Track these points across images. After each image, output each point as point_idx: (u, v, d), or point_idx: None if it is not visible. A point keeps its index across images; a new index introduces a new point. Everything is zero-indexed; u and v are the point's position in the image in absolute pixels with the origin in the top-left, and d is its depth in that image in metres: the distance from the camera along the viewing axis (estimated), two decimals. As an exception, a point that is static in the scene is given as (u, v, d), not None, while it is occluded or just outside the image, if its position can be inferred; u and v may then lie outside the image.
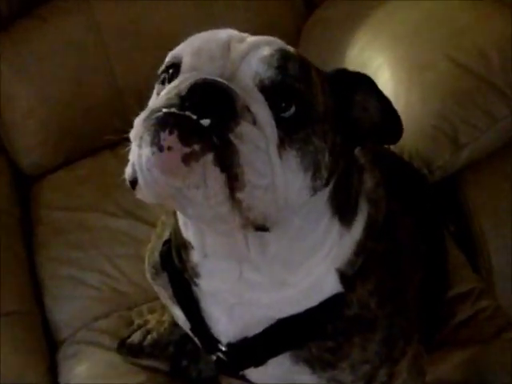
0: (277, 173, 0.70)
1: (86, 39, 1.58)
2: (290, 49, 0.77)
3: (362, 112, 0.81)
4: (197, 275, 0.88)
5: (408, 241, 0.98)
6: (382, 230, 0.89)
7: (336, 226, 0.84)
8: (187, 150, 0.65)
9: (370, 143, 0.86)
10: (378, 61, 1.37)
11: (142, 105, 0.77)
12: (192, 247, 0.86)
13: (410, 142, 1.26)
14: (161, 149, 0.66)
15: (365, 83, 0.81)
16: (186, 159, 0.65)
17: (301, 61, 0.76)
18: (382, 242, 0.89)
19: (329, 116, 0.77)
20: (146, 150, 0.67)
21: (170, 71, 0.77)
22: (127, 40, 1.60)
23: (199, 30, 0.79)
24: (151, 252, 1.07)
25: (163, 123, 0.66)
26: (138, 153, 0.69)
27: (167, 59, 0.80)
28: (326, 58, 1.46)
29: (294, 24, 1.68)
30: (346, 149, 0.82)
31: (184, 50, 0.77)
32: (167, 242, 0.97)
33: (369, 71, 1.36)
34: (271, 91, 0.72)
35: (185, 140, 0.65)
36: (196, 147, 0.65)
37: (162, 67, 0.80)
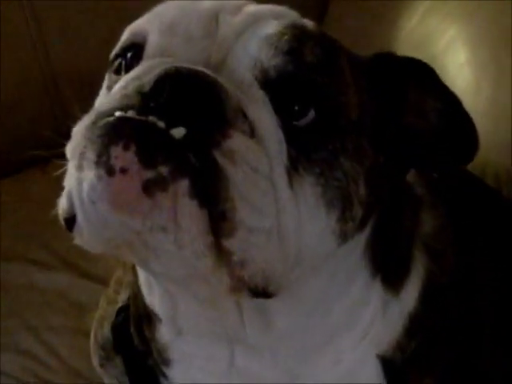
0: (285, 210, 0.71)
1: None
2: (308, 24, 0.79)
3: (417, 118, 0.83)
4: (166, 362, 0.90)
5: (492, 310, 0.99)
6: (450, 296, 0.91)
7: (378, 290, 0.86)
8: (150, 173, 0.65)
9: (429, 165, 0.87)
10: (449, 34, 1.38)
11: (86, 104, 0.80)
12: (159, 320, 0.88)
13: (495, 157, 1.27)
14: (110, 172, 0.66)
15: (421, 74, 0.83)
16: (149, 187, 0.65)
17: (324, 42, 0.78)
18: (450, 314, 0.91)
19: (367, 125, 0.79)
20: (90, 174, 0.68)
21: (129, 55, 0.79)
22: (66, 8, 1.65)
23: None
24: (99, 324, 1.10)
25: (115, 133, 0.67)
26: (78, 177, 0.69)
27: (124, 36, 0.82)
28: (365, 34, 1.48)
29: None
30: (393, 173, 0.83)
31: (150, 25, 0.79)
32: (123, 311, 0.99)
33: (433, 50, 1.39)
34: (279, 87, 0.73)
35: (147, 159, 0.66)
36: (163, 170, 0.65)
37: (117, 49, 0.82)
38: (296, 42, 0.75)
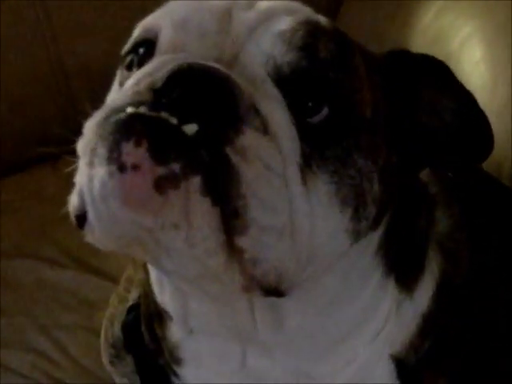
0: (298, 208, 0.71)
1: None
2: (322, 20, 0.79)
3: (432, 117, 0.82)
4: (177, 361, 0.90)
5: (506, 310, 0.99)
6: (464, 296, 0.90)
7: (391, 289, 0.86)
8: (162, 170, 0.65)
9: (443, 164, 0.87)
10: (464, 31, 1.38)
11: (98, 100, 0.80)
12: (170, 318, 0.88)
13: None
14: (122, 168, 0.66)
15: (436, 72, 0.82)
16: (160, 185, 0.65)
17: (338, 38, 0.78)
18: (464, 314, 0.90)
19: (380, 123, 0.79)
20: (101, 171, 0.67)
21: (141, 51, 0.79)
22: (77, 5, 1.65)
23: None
24: (110, 323, 1.10)
25: (127, 130, 0.67)
26: (89, 174, 0.69)
27: (136, 32, 0.82)
28: (378, 32, 1.48)
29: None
30: (407, 172, 0.83)
31: (162, 21, 0.78)
32: (134, 309, 0.99)
33: (448, 48, 1.38)
34: (292, 84, 0.73)
35: (159, 155, 0.65)
36: (175, 167, 0.65)
37: (129, 45, 0.82)
38: (310, 38, 0.75)
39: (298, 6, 0.80)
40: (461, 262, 0.91)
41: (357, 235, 0.76)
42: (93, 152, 0.69)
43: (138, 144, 0.66)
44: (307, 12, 0.79)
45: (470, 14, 1.41)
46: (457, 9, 1.43)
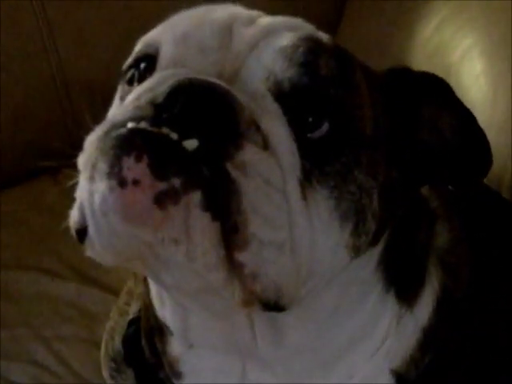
0: (298, 223, 0.71)
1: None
2: (323, 36, 0.79)
3: (432, 133, 0.83)
4: (177, 375, 0.90)
5: (508, 323, 0.99)
6: (465, 310, 0.90)
7: (391, 304, 0.86)
8: (162, 185, 0.65)
9: (444, 180, 0.88)
10: (465, 44, 1.38)
11: (99, 112, 0.80)
12: (170, 333, 0.88)
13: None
14: (123, 183, 0.66)
15: (436, 89, 0.83)
16: (161, 200, 0.65)
17: (339, 55, 0.78)
18: (465, 328, 0.90)
19: (381, 139, 0.79)
20: (101, 185, 0.68)
21: (142, 66, 0.80)
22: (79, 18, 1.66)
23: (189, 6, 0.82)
24: (110, 336, 1.10)
25: (127, 145, 0.67)
26: (89, 189, 0.69)
27: (138, 47, 0.82)
28: (380, 42, 1.48)
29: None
30: (407, 188, 0.83)
31: (163, 36, 0.79)
32: (134, 323, 0.99)
33: (448, 60, 1.38)
34: (293, 100, 0.73)
35: (159, 171, 0.66)
36: (176, 182, 0.65)
37: (130, 59, 0.82)
38: (311, 55, 0.75)
39: (300, 22, 0.81)
40: (461, 276, 0.91)
41: (357, 250, 0.77)
42: (93, 167, 0.69)
43: (138, 159, 0.66)
44: (309, 29, 0.80)
45: (471, 27, 1.41)
46: (457, 22, 1.44)
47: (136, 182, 0.66)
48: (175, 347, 0.89)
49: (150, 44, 0.80)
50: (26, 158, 1.65)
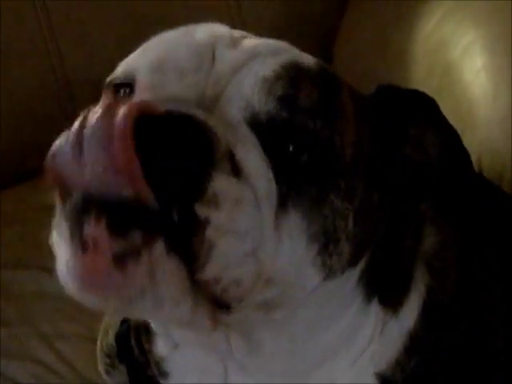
0: (267, 239, 0.69)
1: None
2: (308, 60, 0.77)
3: (416, 152, 0.83)
4: (163, 375, 0.90)
5: (503, 331, 0.98)
6: (452, 313, 0.89)
7: (374, 311, 0.85)
8: (119, 244, 0.62)
9: (424, 196, 0.88)
10: (466, 39, 1.37)
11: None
12: (156, 332, 0.89)
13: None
14: (83, 248, 0.63)
15: (424, 109, 0.83)
16: (119, 260, 0.62)
17: (324, 80, 0.77)
18: (452, 331, 0.89)
19: (361, 163, 0.78)
20: (65, 249, 0.66)
21: (121, 92, 0.78)
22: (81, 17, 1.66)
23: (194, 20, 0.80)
24: (105, 332, 1.10)
25: (84, 210, 0.63)
26: (59, 245, 0.68)
27: (117, 72, 0.81)
28: (382, 39, 1.48)
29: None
30: (388, 207, 0.83)
31: (138, 63, 0.77)
32: (127, 320, 0.99)
33: (449, 56, 1.37)
34: (270, 131, 0.72)
35: (116, 228, 0.62)
36: (136, 236, 0.62)
37: (111, 81, 0.81)
38: (291, 88, 0.73)
39: (285, 46, 0.79)
40: (448, 279, 0.91)
41: (328, 270, 0.76)
42: (58, 230, 0.68)
43: (97, 222, 0.63)
44: (293, 54, 0.78)
45: (472, 23, 1.40)
46: (458, 17, 1.43)
47: (95, 245, 0.63)
48: (161, 347, 0.90)
49: (126, 71, 0.78)
50: (26, 158, 1.65)
